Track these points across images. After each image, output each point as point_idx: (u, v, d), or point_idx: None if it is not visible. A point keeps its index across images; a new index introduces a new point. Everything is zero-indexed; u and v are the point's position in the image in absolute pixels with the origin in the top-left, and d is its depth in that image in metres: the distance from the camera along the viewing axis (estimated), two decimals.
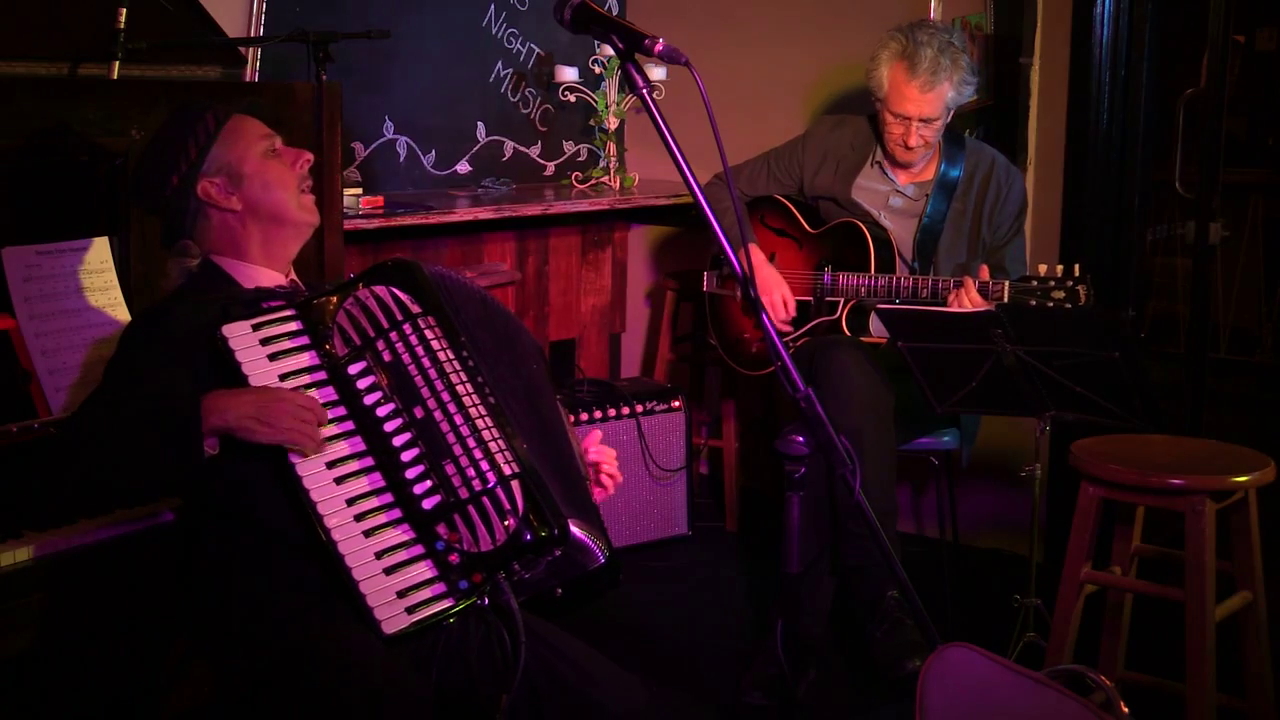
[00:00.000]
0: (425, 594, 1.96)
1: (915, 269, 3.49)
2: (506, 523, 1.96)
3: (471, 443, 1.99)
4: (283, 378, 2.00)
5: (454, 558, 1.96)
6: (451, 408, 2.01)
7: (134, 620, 2.38)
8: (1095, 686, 2.03)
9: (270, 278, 2.20)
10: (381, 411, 2.01)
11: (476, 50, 4.38)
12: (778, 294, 3.55)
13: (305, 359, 2.03)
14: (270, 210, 2.18)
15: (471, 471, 1.98)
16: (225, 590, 2.05)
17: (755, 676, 3.20)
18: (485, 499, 1.97)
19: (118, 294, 2.56)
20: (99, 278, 2.54)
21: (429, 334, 2.05)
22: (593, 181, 4.59)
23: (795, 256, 3.62)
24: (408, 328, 2.04)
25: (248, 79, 3.35)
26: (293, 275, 2.26)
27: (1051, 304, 3.05)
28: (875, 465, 3.14)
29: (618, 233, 4.75)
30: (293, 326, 2.04)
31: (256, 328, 2.02)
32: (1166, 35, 3.82)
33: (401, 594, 1.95)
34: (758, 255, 3.60)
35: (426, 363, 2.03)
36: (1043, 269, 3.10)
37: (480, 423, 2.01)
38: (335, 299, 2.07)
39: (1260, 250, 6.37)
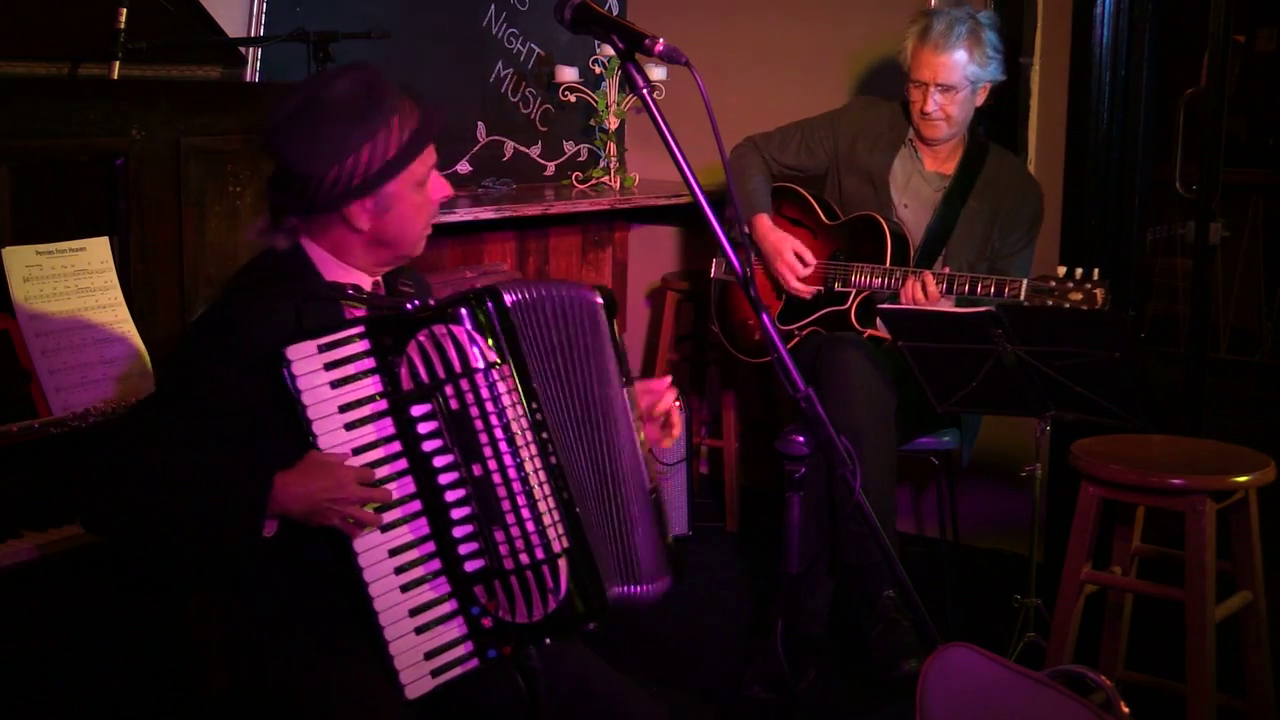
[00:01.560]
0: (452, 655, 1.93)
1: (918, 260, 3.49)
2: (547, 602, 1.93)
3: (526, 513, 1.92)
4: (342, 408, 1.91)
5: (487, 622, 1.93)
6: (512, 472, 1.92)
7: (143, 613, 2.39)
8: (1095, 687, 2.03)
9: (356, 277, 2.07)
10: (439, 461, 1.93)
11: (476, 50, 4.38)
12: (789, 254, 3.54)
13: (368, 386, 1.92)
14: (393, 240, 2.05)
15: (521, 543, 1.92)
16: (241, 599, 2.03)
17: (756, 673, 3.21)
18: (529, 573, 1.92)
19: (118, 294, 2.56)
20: (99, 278, 2.54)
21: (501, 386, 1.93)
22: (593, 181, 4.59)
23: (810, 246, 3.61)
24: (480, 378, 1.92)
25: (248, 79, 3.35)
26: (378, 279, 2.13)
27: (1068, 305, 3.05)
28: (875, 465, 3.15)
29: (618, 232, 4.76)
30: (360, 347, 1.92)
31: (323, 348, 1.90)
32: (1166, 35, 3.82)
33: (429, 655, 1.91)
34: (764, 223, 3.60)
35: (494, 420, 1.92)
36: (1061, 270, 3.10)
37: (538, 491, 1.93)
38: (410, 325, 1.93)
39: (1260, 250, 6.38)
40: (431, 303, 1.96)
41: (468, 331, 1.93)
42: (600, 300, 2.05)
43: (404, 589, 1.91)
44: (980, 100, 3.48)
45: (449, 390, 1.92)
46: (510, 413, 1.93)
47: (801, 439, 1.88)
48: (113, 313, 2.54)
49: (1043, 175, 3.92)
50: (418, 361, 1.92)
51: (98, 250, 2.56)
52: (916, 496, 4.31)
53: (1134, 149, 3.80)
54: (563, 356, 2.00)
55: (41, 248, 2.48)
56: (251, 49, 3.38)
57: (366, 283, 2.08)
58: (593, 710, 2.04)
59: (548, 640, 1.96)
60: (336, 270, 2.06)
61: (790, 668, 3.12)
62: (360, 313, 2.01)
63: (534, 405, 1.95)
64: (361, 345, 1.92)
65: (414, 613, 1.91)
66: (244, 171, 2.82)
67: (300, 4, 3.69)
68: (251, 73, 3.39)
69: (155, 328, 2.66)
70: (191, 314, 2.75)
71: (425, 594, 1.93)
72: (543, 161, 4.65)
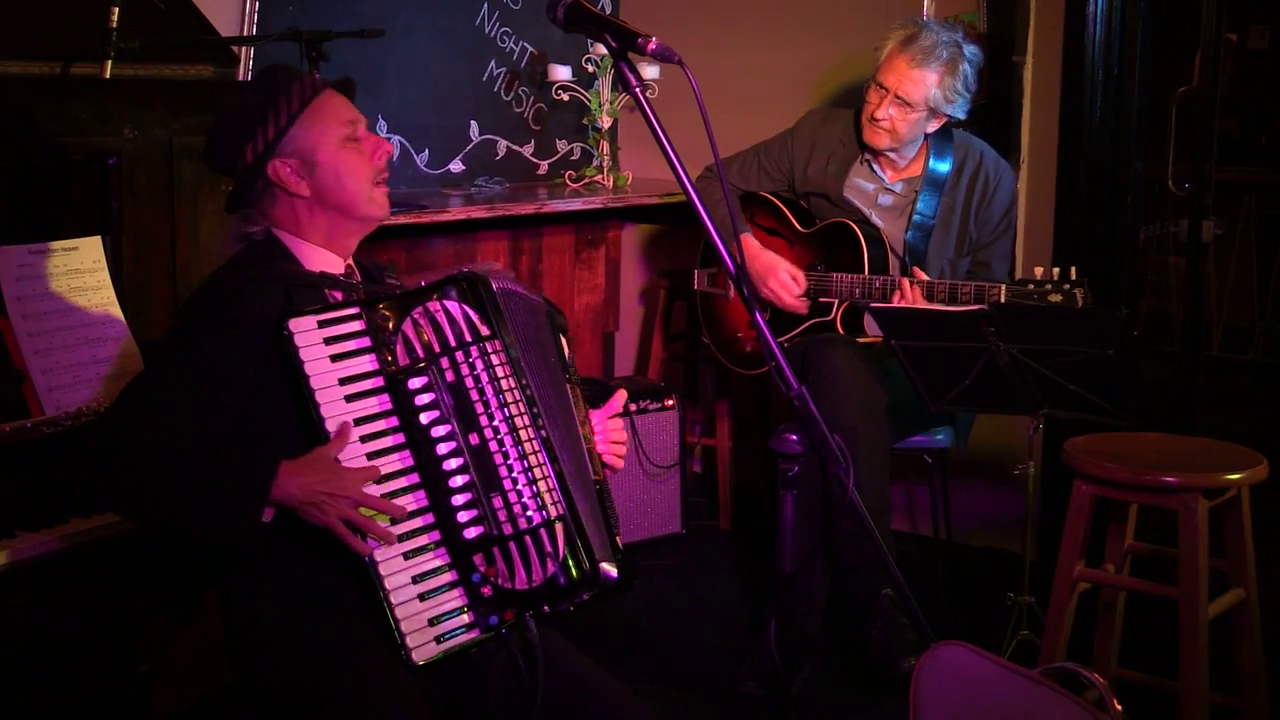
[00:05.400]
0: (455, 623, 1.96)
1: (907, 266, 3.49)
2: (546, 565, 1.96)
3: (522, 480, 1.97)
4: (342, 381, 1.96)
5: (487, 590, 1.96)
6: (508, 441, 1.97)
7: (118, 622, 2.38)
8: (1088, 684, 2.04)
9: (330, 262, 2.14)
10: (436, 432, 1.98)
11: (470, 49, 4.38)
12: (783, 273, 3.53)
13: (366, 363, 1.98)
14: (338, 202, 2.11)
15: (518, 508, 1.96)
16: (255, 589, 2.03)
17: (749, 670, 3.21)
18: (528, 538, 1.96)
19: (110, 293, 2.55)
20: (92, 277, 2.54)
21: (495, 359, 2.00)
22: (586, 180, 4.59)
23: (787, 256, 3.61)
24: (474, 350, 1.99)
25: (241, 78, 3.34)
26: (350, 262, 2.20)
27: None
28: (869, 463, 3.15)
29: (611, 231, 4.76)
30: (356, 326, 1.99)
31: (322, 324, 1.97)
32: (1159, 33, 3.83)
33: (433, 621, 1.95)
34: (752, 244, 3.58)
35: (489, 390, 1.98)
36: (1039, 271, 3.10)
37: (534, 458, 1.98)
38: (402, 305, 2.01)
39: (1253, 248, 6.39)
40: (423, 283, 2.04)
41: (459, 306, 2.01)
42: (544, 304, 2.21)
43: (407, 556, 1.95)
44: (931, 128, 3.46)
45: (444, 363, 1.99)
46: (504, 384, 2.00)
47: (795, 437, 1.89)
48: (106, 312, 2.53)
49: (1035, 174, 3.93)
50: (413, 337, 1.99)
51: (91, 250, 2.56)
52: (910, 494, 4.31)
53: (1127, 147, 3.81)
54: (536, 348, 2.10)
55: (34, 247, 2.48)
56: (244, 48, 3.38)
57: (339, 266, 2.16)
58: (588, 712, 2.05)
59: (546, 608, 1.98)
60: (308, 252, 2.13)
61: (784, 665, 3.13)
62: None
63: (524, 382, 2.01)
64: (357, 324, 1.99)
65: (417, 579, 1.95)
66: None
67: (293, 3, 3.69)
68: (244, 72, 3.38)
69: (148, 327, 2.66)
70: None
71: (428, 562, 1.97)
72: (536, 160, 4.65)
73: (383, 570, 1.93)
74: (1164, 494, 2.74)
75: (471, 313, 2.01)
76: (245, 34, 3.47)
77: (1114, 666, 3.05)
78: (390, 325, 2.00)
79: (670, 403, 4.14)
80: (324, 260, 2.14)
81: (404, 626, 1.93)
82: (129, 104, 2.65)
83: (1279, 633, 3.05)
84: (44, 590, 2.19)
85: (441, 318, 2.00)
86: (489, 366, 1.99)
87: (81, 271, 2.53)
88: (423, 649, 1.93)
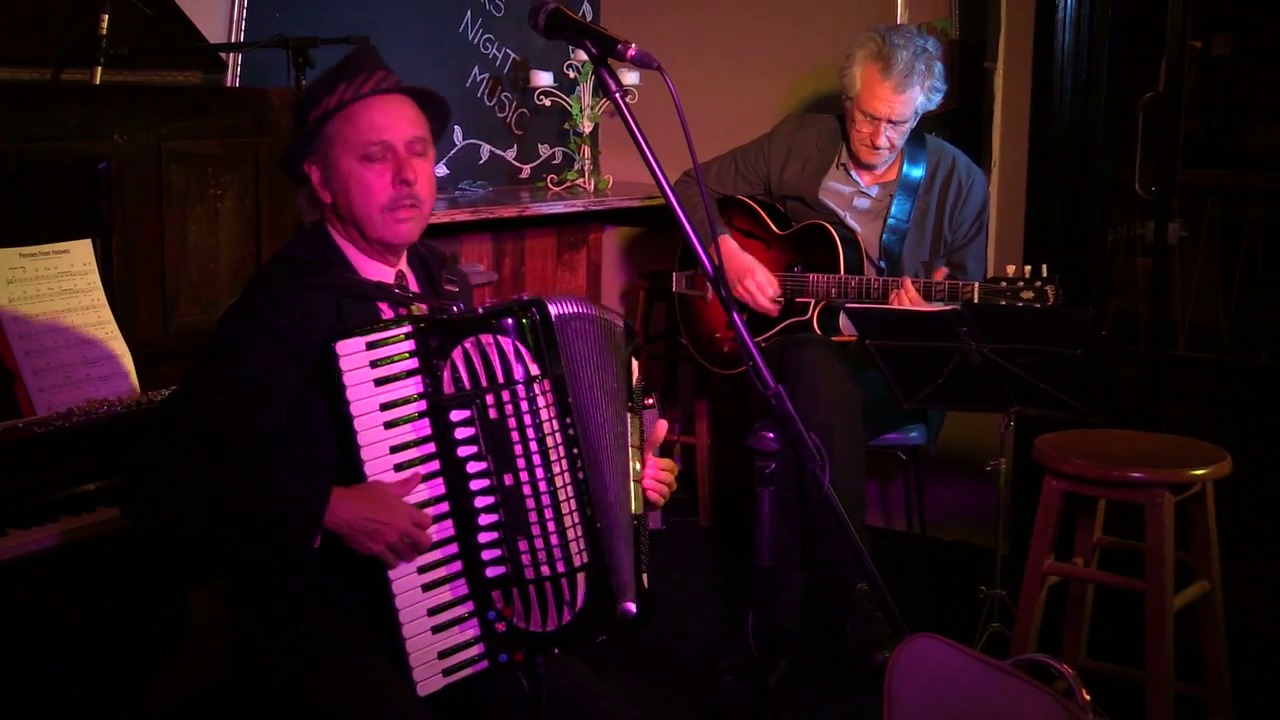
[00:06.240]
0: (464, 656, 1.96)
1: (882, 269, 3.54)
2: (563, 613, 1.97)
3: (551, 526, 1.96)
4: (384, 406, 1.94)
5: (501, 627, 1.96)
6: (542, 486, 1.96)
7: (114, 616, 2.40)
8: (1058, 675, 2.08)
9: (376, 269, 2.11)
10: (472, 468, 1.96)
11: (453, 55, 4.40)
12: (760, 275, 3.58)
13: (410, 387, 1.95)
14: (351, 217, 2.06)
15: (543, 555, 1.96)
16: (258, 586, 2.03)
17: (728, 664, 3.24)
18: (548, 585, 1.96)
19: (100, 295, 2.57)
20: (82, 279, 2.55)
21: (540, 400, 1.97)
22: (568, 184, 4.63)
23: (764, 258, 3.66)
24: (521, 390, 1.96)
25: (228, 84, 3.37)
26: (402, 265, 2.14)
27: (1021, 304, 3.10)
28: (844, 460, 3.18)
29: (592, 234, 4.79)
30: (406, 347, 1.95)
31: (370, 346, 1.93)
32: (1126, 41, 3.89)
33: (442, 654, 1.95)
34: (730, 245, 3.63)
35: (530, 433, 1.96)
36: (1010, 269, 3.15)
37: (565, 506, 1.97)
38: (456, 331, 1.97)
39: (1217, 249, 6.45)
40: (480, 310, 1.99)
41: (513, 343, 1.96)
42: (621, 324, 2.13)
43: (425, 588, 1.95)
44: (914, 122, 3.51)
45: (489, 399, 1.95)
46: (546, 427, 1.97)
47: (772, 435, 1.90)
48: (96, 314, 2.55)
49: (1006, 177, 3.98)
50: (461, 367, 1.95)
51: (80, 252, 2.57)
52: (884, 491, 4.36)
53: (1095, 151, 3.86)
54: (589, 370, 2.05)
55: (25, 250, 2.49)
56: (232, 55, 3.40)
57: (389, 275, 2.11)
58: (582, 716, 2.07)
59: (557, 650, 2.00)
60: (357, 255, 2.09)
61: (761, 659, 3.16)
62: (398, 311, 2.06)
63: (568, 420, 1.98)
64: (407, 345, 1.95)
65: (432, 612, 1.95)
66: (224, 175, 2.84)
67: (280, 10, 3.71)
68: (232, 78, 3.40)
69: (137, 328, 2.67)
70: (173, 315, 2.77)
71: (444, 594, 1.96)
72: (518, 164, 4.68)
73: (399, 604, 1.93)
74: (1131, 489, 2.78)
75: (524, 350, 1.96)
76: (232, 41, 3.49)
77: (1082, 657, 3.09)
78: (440, 350, 1.95)
79: (650, 402, 4.15)
80: (370, 266, 2.10)
81: (413, 659, 1.93)
82: (118, 109, 2.66)
83: (1242, 624, 3.09)
84: (39, 587, 2.21)
85: (493, 352, 1.96)
86: (534, 410, 1.96)
87: (72, 274, 2.54)
88: (429, 682, 1.94)
